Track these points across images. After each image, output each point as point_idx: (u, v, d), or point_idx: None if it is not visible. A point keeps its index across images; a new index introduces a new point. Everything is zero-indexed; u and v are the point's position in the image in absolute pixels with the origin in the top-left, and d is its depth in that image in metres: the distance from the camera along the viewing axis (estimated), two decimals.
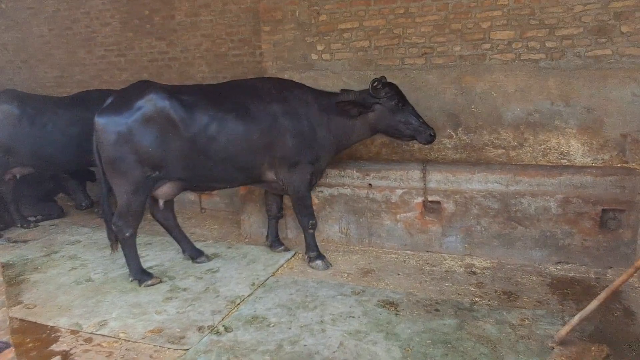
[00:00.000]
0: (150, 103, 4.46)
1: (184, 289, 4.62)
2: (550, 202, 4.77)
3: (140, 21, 7.89)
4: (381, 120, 4.91)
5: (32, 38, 9.00)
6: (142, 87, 4.63)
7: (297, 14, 6.02)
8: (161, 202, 5.10)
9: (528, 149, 5.32)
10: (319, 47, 6.02)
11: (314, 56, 6.07)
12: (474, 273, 4.75)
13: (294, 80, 5.46)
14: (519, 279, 4.59)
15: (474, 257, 5.09)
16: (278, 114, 4.79)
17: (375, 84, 4.82)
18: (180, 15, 7.58)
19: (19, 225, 6.68)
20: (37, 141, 6.10)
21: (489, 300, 4.19)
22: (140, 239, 5.86)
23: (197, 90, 4.83)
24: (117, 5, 8.02)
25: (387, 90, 4.82)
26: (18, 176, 6.42)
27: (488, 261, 4.99)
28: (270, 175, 4.95)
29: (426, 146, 5.58)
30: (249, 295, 4.46)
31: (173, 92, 4.61)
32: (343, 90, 5.13)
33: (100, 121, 4.47)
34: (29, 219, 6.83)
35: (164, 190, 4.85)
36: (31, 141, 6.09)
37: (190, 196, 7.12)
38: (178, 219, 5.43)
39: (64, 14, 8.54)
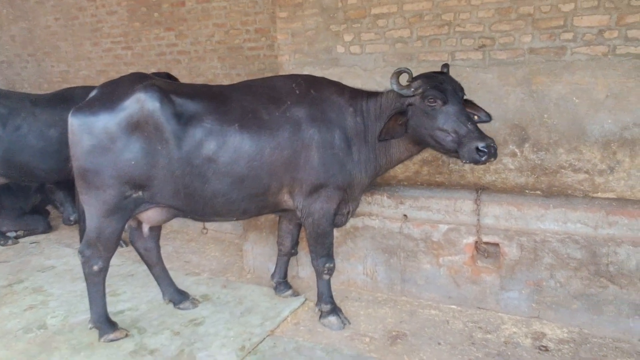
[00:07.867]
0: (137, 104, 3.38)
1: (152, 352, 3.50)
2: None
3: (147, 9, 6.94)
4: (417, 127, 3.52)
5: (39, 29, 8.27)
6: (132, 82, 3.53)
7: None
8: (145, 228, 4.05)
9: (621, 175, 3.94)
10: (347, 38, 4.80)
11: (340, 49, 4.85)
12: (547, 349, 3.42)
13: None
14: None
15: (544, 321, 3.75)
16: (302, 120, 3.61)
17: (399, 76, 3.47)
18: (191, 2, 6.56)
19: None
20: (9, 146, 5.13)
21: None
22: (122, 268, 4.89)
23: (199, 93, 3.67)
24: None
25: (418, 84, 3.44)
26: None
27: (565, 330, 3.65)
28: (292, 202, 3.79)
29: (481, 166, 4.31)
30: None
31: (169, 92, 3.49)
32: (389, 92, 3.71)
33: (74, 122, 3.42)
34: (8, 234, 5.94)
35: (148, 215, 3.77)
36: (2, 146, 5.12)
37: None
38: (176, 241, 4.37)
39: (70, 1, 7.72)
